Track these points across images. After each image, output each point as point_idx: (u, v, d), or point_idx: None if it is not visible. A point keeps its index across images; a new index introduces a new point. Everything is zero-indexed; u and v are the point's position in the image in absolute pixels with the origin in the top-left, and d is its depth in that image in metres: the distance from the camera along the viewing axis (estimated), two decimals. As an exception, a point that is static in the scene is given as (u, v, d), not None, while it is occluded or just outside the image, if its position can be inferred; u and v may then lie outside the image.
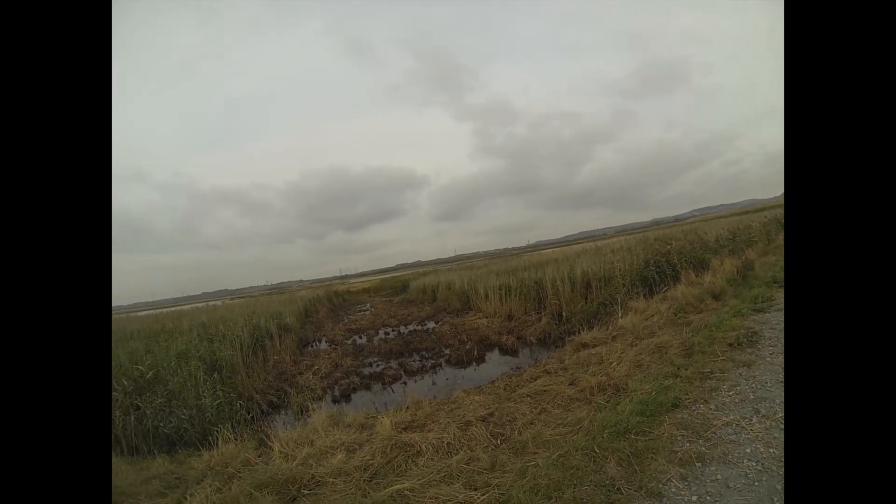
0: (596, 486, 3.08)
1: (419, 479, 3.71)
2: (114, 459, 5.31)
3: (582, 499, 2.96)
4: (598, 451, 3.52)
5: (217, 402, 6.44)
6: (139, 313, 30.50)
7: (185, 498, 4.01)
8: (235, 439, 5.19)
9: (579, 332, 8.33)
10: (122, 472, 4.83)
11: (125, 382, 6.67)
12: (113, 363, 7.84)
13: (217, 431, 5.57)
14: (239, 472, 4.40)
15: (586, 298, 10.77)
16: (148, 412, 6.09)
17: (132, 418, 6.05)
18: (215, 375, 7.37)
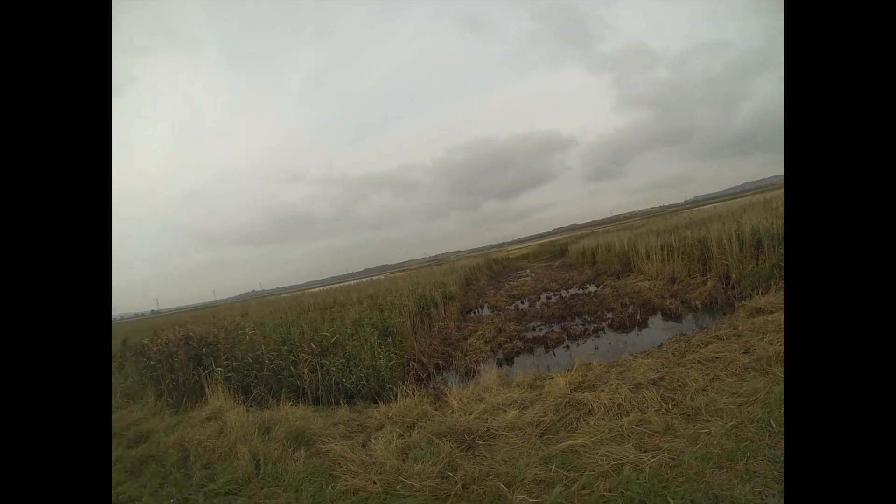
0: (770, 461, 3.00)
1: (590, 437, 3.81)
2: (303, 408, 6.08)
3: (755, 471, 2.88)
4: (774, 425, 3.39)
5: (391, 363, 7.09)
6: (312, 290, 33.71)
7: (370, 440, 4.52)
8: (413, 394, 5.71)
9: (751, 296, 7.91)
10: (312, 418, 5.54)
11: (312, 346, 7.57)
12: (296, 330, 8.85)
13: (390, 388, 6.23)
14: (418, 422, 4.84)
15: (757, 259, 9.81)
16: (332, 370, 6.89)
17: (318, 374, 6.91)
18: (389, 340, 8.04)
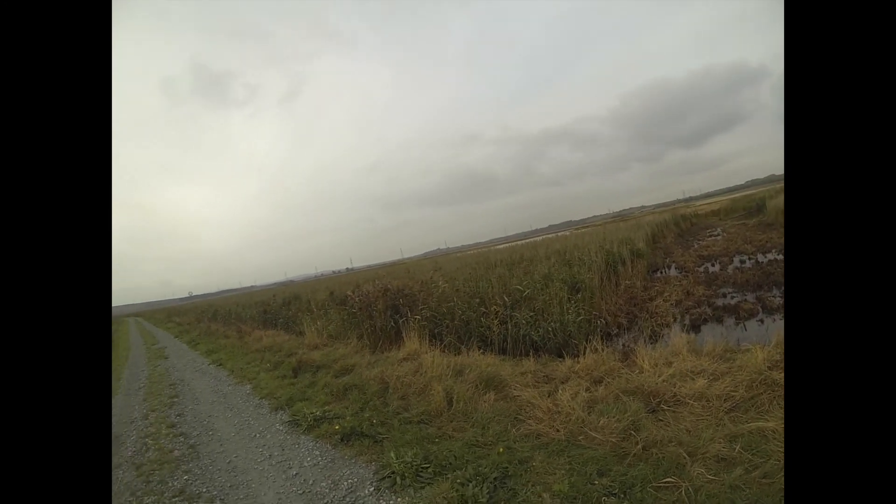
0: None
1: (783, 422, 3.53)
2: (492, 358, 6.42)
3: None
4: None
5: (579, 318, 7.17)
6: (497, 246, 34.53)
7: (557, 391, 4.69)
8: (601, 350, 5.73)
9: None
10: (501, 366, 5.89)
11: (505, 299, 7.90)
12: (485, 284, 9.30)
13: (575, 343, 6.32)
14: (605, 378, 4.91)
15: None
16: (521, 322, 7.16)
17: (508, 326, 7.25)
18: (578, 295, 8.09)
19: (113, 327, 42.38)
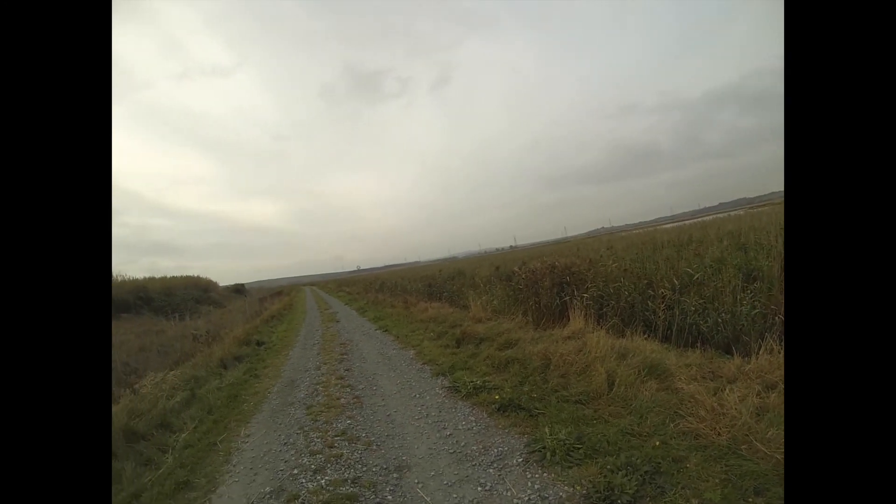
0: None
1: None
2: (655, 344, 6.20)
3: None
4: None
5: (754, 311, 6.48)
6: (664, 226, 32.08)
7: (724, 388, 4.34)
8: (777, 351, 5.17)
9: None
10: (666, 354, 5.63)
11: (674, 281, 7.43)
12: (651, 266, 8.89)
13: (747, 340, 5.72)
14: (779, 384, 4.43)
15: None
16: (689, 310, 6.68)
17: (675, 312, 6.81)
18: (755, 285, 7.32)
19: (292, 294, 47.38)
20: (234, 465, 4.53)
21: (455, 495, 3.30)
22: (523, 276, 9.92)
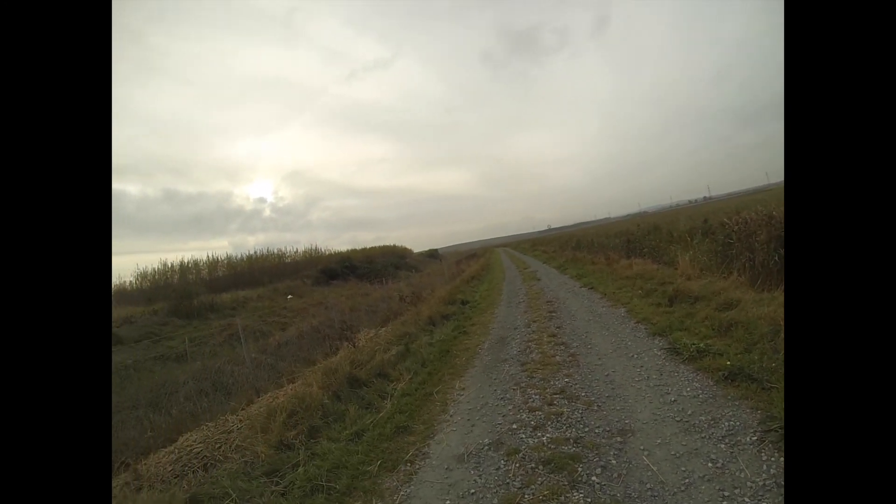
0: None
1: None
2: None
3: None
4: None
5: None
6: None
7: None
8: None
9: None
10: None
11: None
12: None
13: None
14: None
15: None
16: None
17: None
18: None
19: (486, 255, 48.72)
20: (450, 416, 4.69)
21: (683, 468, 3.08)
22: (735, 228, 8.94)
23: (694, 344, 5.24)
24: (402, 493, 3.44)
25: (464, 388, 5.48)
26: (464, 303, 12.64)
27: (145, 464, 5.21)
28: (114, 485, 4.83)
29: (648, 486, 2.96)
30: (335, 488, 3.59)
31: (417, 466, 3.80)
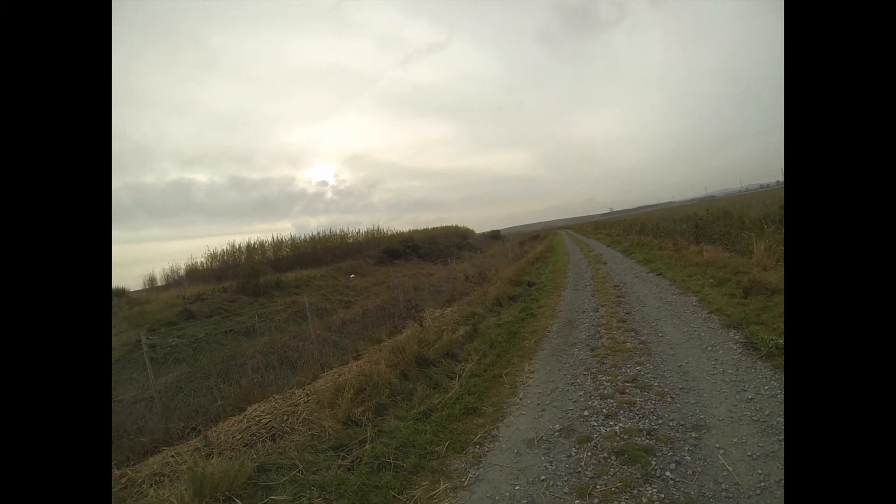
0: None
1: None
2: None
3: None
4: None
5: None
6: None
7: None
8: None
9: None
10: None
11: None
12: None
13: None
14: None
15: None
16: None
17: None
18: None
19: (549, 237, 47.65)
20: (520, 399, 4.61)
21: (760, 471, 2.94)
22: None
23: (773, 340, 4.93)
24: (470, 475, 3.40)
25: (533, 372, 5.41)
26: (530, 284, 12.50)
27: (215, 431, 5.38)
28: (184, 449, 4.97)
29: (723, 486, 2.87)
30: (402, 466, 3.58)
31: (486, 449, 3.76)
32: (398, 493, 3.30)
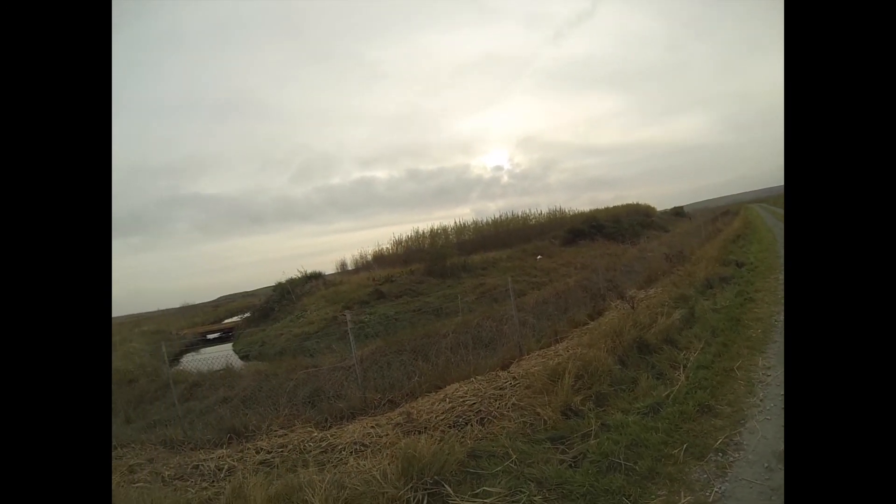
0: None
1: None
2: None
3: None
4: None
5: None
6: None
7: None
8: None
9: None
10: None
11: None
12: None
13: None
14: None
15: None
16: None
17: None
18: None
19: (742, 213, 41.30)
20: (760, 400, 4.01)
21: None
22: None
23: None
24: (716, 489, 2.96)
25: (769, 367, 4.72)
26: (739, 265, 11.22)
27: (414, 407, 5.25)
28: (383, 421, 4.83)
29: None
30: (635, 469, 3.17)
31: (731, 458, 3.28)
32: (633, 502, 2.92)
